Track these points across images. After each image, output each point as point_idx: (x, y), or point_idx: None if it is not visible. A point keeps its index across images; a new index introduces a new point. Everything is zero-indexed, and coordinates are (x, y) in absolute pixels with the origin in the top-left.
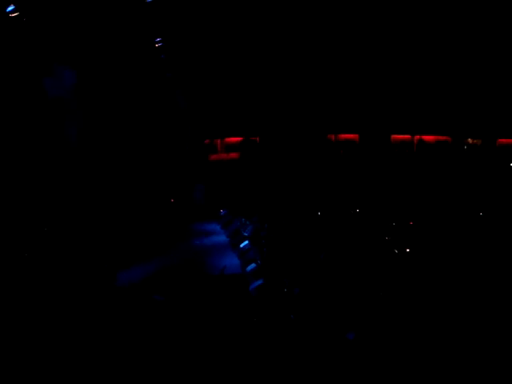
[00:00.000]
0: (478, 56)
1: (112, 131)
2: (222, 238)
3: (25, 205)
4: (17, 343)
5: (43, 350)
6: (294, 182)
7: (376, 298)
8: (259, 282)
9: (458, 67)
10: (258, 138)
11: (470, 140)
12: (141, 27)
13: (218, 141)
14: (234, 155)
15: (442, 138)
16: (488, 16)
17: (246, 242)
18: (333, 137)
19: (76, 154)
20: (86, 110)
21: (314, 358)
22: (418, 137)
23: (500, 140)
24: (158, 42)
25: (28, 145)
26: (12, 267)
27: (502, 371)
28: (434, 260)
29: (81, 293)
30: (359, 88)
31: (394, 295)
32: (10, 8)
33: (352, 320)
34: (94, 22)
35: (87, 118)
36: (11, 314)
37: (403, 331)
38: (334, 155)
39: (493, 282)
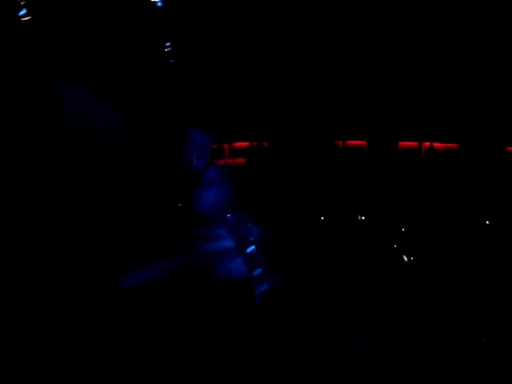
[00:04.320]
0: (488, 63)
1: (120, 134)
2: (228, 243)
3: (30, 207)
4: (20, 343)
5: (46, 350)
6: (301, 187)
7: (381, 305)
8: (265, 286)
9: (467, 74)
10: (265, 144)
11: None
12: (150, 31)
13: (226, 146)
14: (241, 160)
15: (450, 145)
16: (503, 23)
17: (253, 247)
18: (340, 143)
19: (82, 156)
20: (97, 117)
21: (319, 362)
22: (429, 144)
23: (508, 148)
24: (167, 47)
25: (35, 149)
26: (18, 268)
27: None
28: (441, 268)
29: (86, 295)
30: (367, 94)
31: (399, 303)
32: (22, 12)
33: (357, 327)
34: (103, 24)
35: (97, 123)
36: (15, 314)
37: (407, 338)
38: (342, 161)
39: (499, 290)
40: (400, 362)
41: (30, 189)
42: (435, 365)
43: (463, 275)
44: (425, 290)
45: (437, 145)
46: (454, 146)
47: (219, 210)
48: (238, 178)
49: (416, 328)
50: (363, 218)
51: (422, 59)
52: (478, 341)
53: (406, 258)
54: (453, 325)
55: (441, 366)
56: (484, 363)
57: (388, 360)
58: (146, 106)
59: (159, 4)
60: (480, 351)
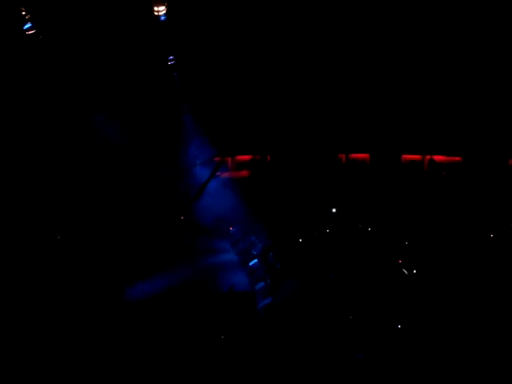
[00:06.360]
0: (491, 77)
1: (122, 147)
2: (231, 256)
3: (37, 219)
4: (24, 351)
5: (50, 358)
6: (304, 200)
7: (384, 318)
8: (268, 300)
9: (471, 88)
10: (268, 157)
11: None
12: (154, 45)
13: (229, 159)
14: (244, 173)
15: (453, 158)
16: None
17: (256, 260)
18: (343, 156)
19: (88, 168)
20: (101, 132)
21: (322, 376)
22: (429, 157)
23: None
24: (170, 60)
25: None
26: (22, 278)
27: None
28: (444, 281)
29: (90, 306)
30: (370, 108)
31: (402, 316)
32: (27, 26)
33: (360, 340)
34: (107, 37)
35: (101, 137)
36: (19, 321)
37: (410, 352)
38: (344, 174)
39: (503, 302)
40: (403, 376)
41: (35, 201)
42: (439, 377)
43: (466, 288)
44: (428, 304)
45: (440, 158)
46: (457, 159)
47: (222, 223)
48: (241, 191)
49: (418, 341)
50: (367, 230)
51: (425, 73)
52: (482, 355)
53: (406, 272)
54: (456, 338)
55: (445, 379)
56: (487, 375)
57: (391, 373)
58: (149, 119)
59: (162, 18)
60: (484, 364)
